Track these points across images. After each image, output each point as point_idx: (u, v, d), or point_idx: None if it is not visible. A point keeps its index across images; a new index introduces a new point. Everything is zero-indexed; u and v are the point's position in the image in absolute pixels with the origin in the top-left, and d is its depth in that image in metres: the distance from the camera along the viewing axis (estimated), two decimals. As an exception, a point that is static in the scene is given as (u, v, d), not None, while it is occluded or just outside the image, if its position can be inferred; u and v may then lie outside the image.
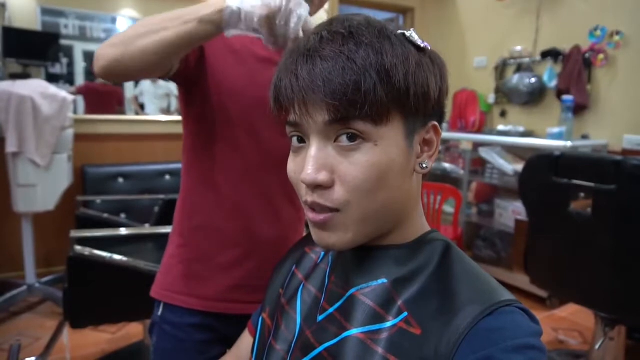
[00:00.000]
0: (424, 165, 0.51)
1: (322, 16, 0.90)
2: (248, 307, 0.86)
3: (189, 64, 0.81)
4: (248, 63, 0.85)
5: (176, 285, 0.90)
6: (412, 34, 0.48)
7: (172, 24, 0.67)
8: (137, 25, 0.70)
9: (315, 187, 0.48)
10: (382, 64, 0.44)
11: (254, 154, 0.87)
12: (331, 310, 0.54)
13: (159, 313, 0.92)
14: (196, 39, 0.68)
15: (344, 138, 0.47)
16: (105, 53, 0.70)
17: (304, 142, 0.50)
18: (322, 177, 0.47)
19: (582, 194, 1.65)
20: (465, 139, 3.28)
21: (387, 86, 0.45)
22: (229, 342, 0.86)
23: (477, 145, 3.21)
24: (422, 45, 0.48)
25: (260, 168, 0.88)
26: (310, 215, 0.50)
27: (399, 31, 0.48)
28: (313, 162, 0.47)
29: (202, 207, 0.90)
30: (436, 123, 0.51)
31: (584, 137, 2.88)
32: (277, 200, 0.90)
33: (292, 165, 0.52)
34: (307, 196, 0.49)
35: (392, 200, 0.49)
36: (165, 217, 2.15)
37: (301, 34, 0.64)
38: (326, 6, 0.91)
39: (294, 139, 0.51)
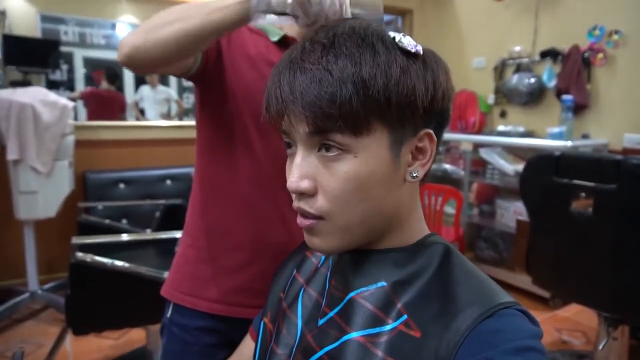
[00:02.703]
0: (414, 175, 0.51)
1: None
2: (252, 311, 0.87)
3: (208, 64, 0.81)
4: (262, 69, 0.86)
5: (184, 285, 0.91)
6: (401, 39, 0.47)
7: (197, 12, 0.67)
8: (161, 14, 0.70)
9: (300, 194, 0.49)
10: (360, 74, 0.44)
11: (266, 159, 0.87)
12: (331, 314, 0.54)
13: (168, 315, 0.93)
14: (221, 28, 0.68)
15: (324, 149, 0.47)
16: (128, 40, 0.70)
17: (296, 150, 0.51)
18: (305, 185, 0.48)
19: (583, 194, 1.65)
20: (466, 139, 3.28)
21: (364, 97, 0.44)
22: (235, 346, 0.86)
23: (477, 146, 3.21)
24: (414, 50, 0.47)
25: (272, 174, 0.88)
26: (298, 219, 0.52)
27: (391, 35, 0.48)
28: (297, 171, 0.49)
29: (212, 209, 0.91)
30: (430, 131, 0.50)
31: (584, 136, 2.87)
32: (286, 207, 0.90)
33: (287, 172, 0.53)
34: (294, 201, 0.51)
35: (377, 210, 0.50)
36: (166, 222, 2.16)
37: (348, 12, 0.63)
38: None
39: (288, 147, 0.53)
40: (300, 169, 0.49)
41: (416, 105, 0.47)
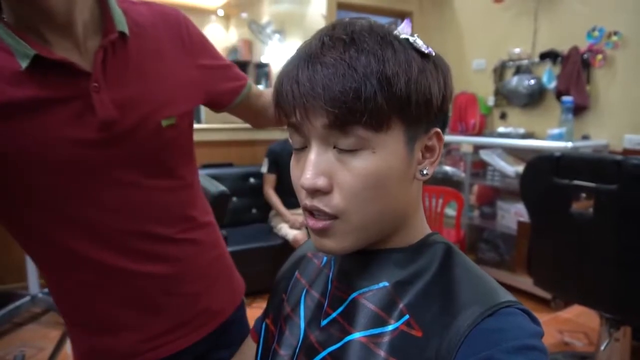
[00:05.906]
0: (424, 172, 0.51)
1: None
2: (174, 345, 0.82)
3: None
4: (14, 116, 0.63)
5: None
6: (416, 39, 0.47)
7: None
8: None
9: (314, 192, 0.48)
10: (384, 71, 0.44)
11: (91, 207, 0.71)
12: (334, 314, 0.54)
13: None
14: None
15: (342, 144, 0.46)
16: None
17: (305, 146, 0.50)
18: (321, 182, 0.47)
19: (584, 195, 1.65)
20: (466, 141, 3.29)
21: (388, 94, 0.44)
22: None
23: (477, 147, 3.21)
24: (427, 51, 0.47)
25: (107, 221, 0.73)
26: (310, 222, 0.50)
27: (403, 36, 0.48)
28: (312, 167, 0.47)
29: (78, 301, 0.82)
30: (439, 130, 0.51)
31: (585, 137, 2.88)
32: (144, 246, 0.77)
33: (294, 169, 0.52)
34: (306, 200, 0.49)
35: (391, 207, 0.49)
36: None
37: None
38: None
39: (295, 144, 0.51)
40: (316, 166, 0.47)
41: (432, 104, 0.47)
